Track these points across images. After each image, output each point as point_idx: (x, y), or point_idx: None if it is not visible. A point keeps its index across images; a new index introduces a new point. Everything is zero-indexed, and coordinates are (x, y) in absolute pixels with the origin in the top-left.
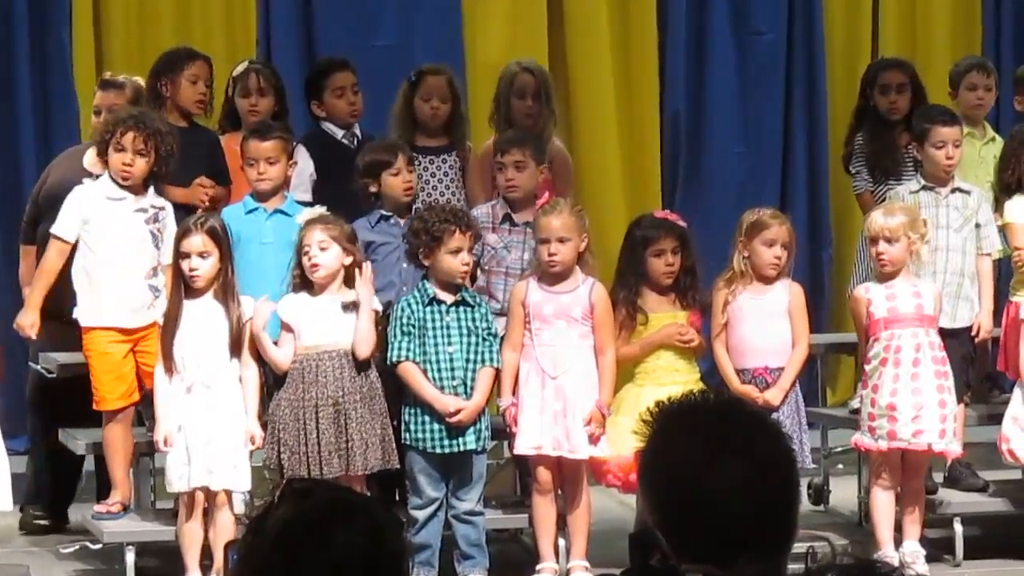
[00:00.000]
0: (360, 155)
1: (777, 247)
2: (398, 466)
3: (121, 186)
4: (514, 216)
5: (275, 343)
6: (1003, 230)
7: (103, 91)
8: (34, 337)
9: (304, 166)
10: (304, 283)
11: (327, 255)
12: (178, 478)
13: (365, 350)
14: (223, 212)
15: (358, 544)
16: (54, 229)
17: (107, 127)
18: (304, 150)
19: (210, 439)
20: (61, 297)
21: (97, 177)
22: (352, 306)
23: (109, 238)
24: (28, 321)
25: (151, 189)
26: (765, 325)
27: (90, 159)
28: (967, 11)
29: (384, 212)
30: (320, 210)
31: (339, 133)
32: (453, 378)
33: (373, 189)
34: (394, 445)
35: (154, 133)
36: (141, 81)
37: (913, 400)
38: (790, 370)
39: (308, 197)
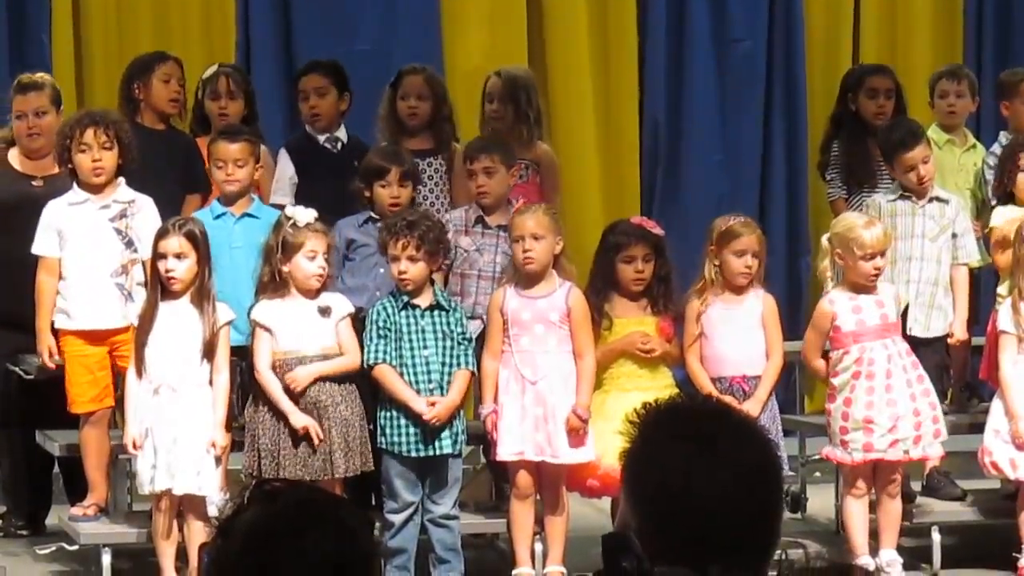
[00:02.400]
0: (366, 156)
1: (748, 256)
2: (373, 468)
3: (86, 188)
4: (487, 219)
5: (244, 347)
6: (988, 237)
7: (23, 94)
8: (52, 366)
9: (285, 170)
10: (276, 285)
11: (324, 264)
12: (147, 481)
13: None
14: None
15: (328, 546)
16: (36, 250)
17: (64, 133)
18: (285, 153)
19: (175, 443)
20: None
21: (35, 180)
22: (327, 310)
23: (74, 242)
24: (42, 348)
25: (121, 183)
26: (739, 335)
27: (20, 163)
28: (948, 18)
29: (372, 215)
30: (314, 212)
31: (321, 137)
32: (429, 381)
33: (367, 194)
34: (370, 448)
35: (112, 123)
36: (53, 79)
37: (888, 412)
38: (766, 381)
39: (288, 201)
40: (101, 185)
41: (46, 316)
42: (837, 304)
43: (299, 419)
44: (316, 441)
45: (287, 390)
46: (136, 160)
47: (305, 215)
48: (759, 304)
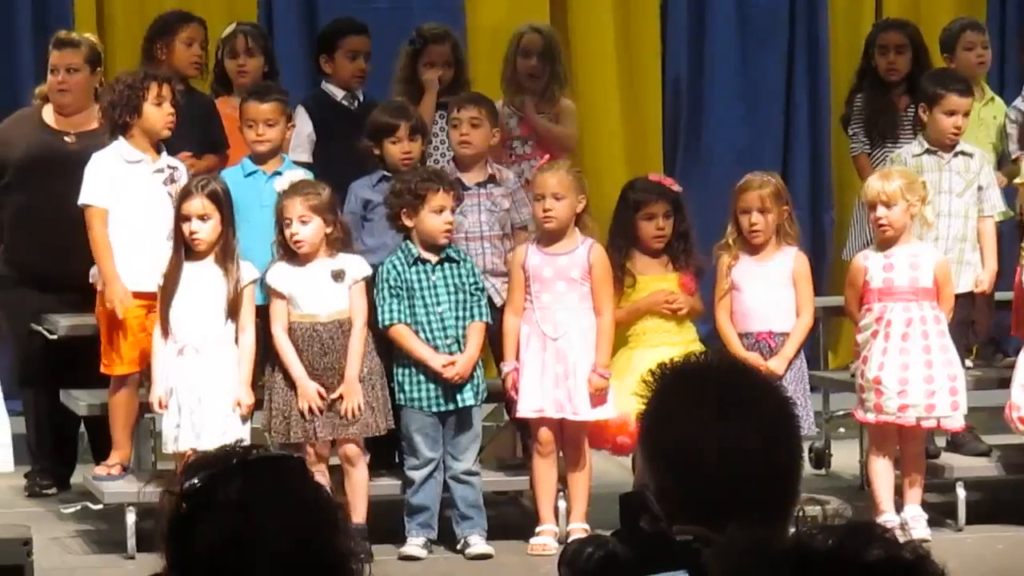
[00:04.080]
0: (371, 114)
1: (753, 213)
2: (394, 427)
3: (139, 147)
4: (464, 179)
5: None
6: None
7: (59, 50)
8: (122, 314)
9: (303, 127)
10: (289, 252)
11: (308, 228)
12: (172, 440)
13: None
14: (221, 175)
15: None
16: (88, 199)
17: (134, 85)
18: (304, 111)
19: (199, 402)
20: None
21: (67, 136)
22: (340, 274)
23: (129, 201)
24: (117, 295)
25: (163, 149)
26: (768, 290)
27: (53, 119)
28: None
29: (386, 173)
30: (299, 175)
31: (339, 94)
32: (446, 337)
33: (376, 152)
34: (390, 407)
35: (172, 82)
36: (95, 39)
37: (899, 375)
38: (794, 338)
39: (306, 158)
40: (154, 145)
41: (112, 263)
42: (869, 259)
43: (307, 389)
44: (318, 409)
45: (300, 354)
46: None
47: (282, 182)
48: (789, 261)
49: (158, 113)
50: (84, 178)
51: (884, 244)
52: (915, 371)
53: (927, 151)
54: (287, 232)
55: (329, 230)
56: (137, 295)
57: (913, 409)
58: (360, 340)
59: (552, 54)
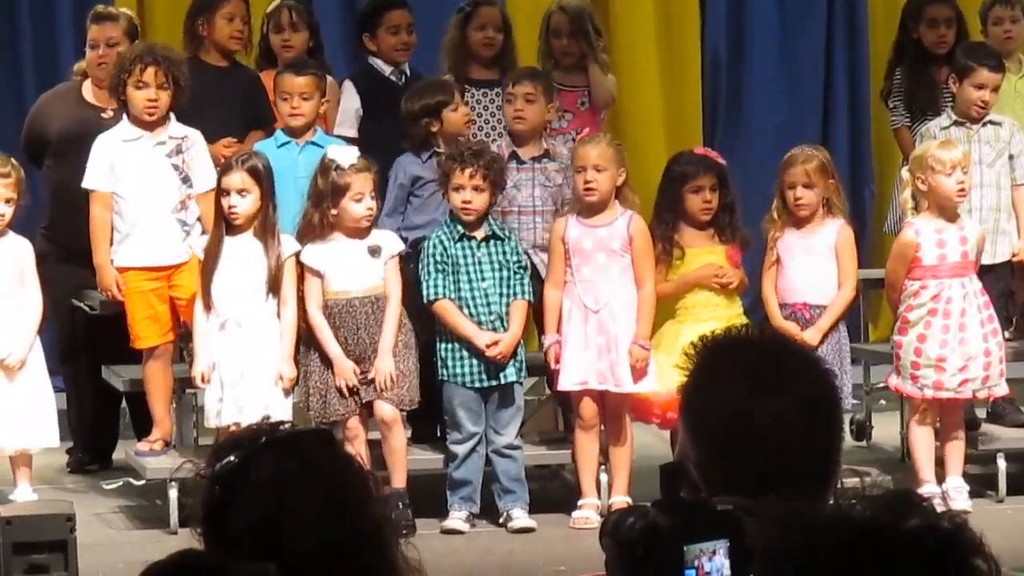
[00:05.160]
0: (409, 98)
1: (798, 188)
2: (422, 404)
3: (138, 124)
4: (519, 153)
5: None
6: None
7: (98, 24)
8: (119, 296)
9: (351, 103)
10: (322, 229)
11: (372, 203)
12: (214, 415)
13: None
14: (254, 148)
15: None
16: (89, 184)
17: (123, 65)
18: (351, 85)
19: (242, 377)
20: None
21: (104, 112)
22: (377, 250)
23: (131, 179)
24: (108, 281)
25: (171, 120)
26: (808, 262)
27: (93, 94)
28: None
29: (437, 149)
30: (355, 151)
31: (387, 70)
32: (489, 313)
33: (435, 128)
34: (417, 383)
35: (173, 64)
36: (132, 13)
37: (961, 351)
38: (832, 311)
39: (353, 133)
40: (153, 122)
41: (105, 250)
42: (922, 235)
43: (343, 368)
44: (357, 384)
45: (336, 331)
46: (186, 102)
47: (347, 156)
48: (833, 233)
49: (137, 96)
50: (88, 161)
51: (951, 213)
52: (974, 346)
53: (955, 123)
54: (357, 206)
55: (373, 208)
56: (144, 269)
57: (972, 383)
58: (395, 314)
59: (582, 30)
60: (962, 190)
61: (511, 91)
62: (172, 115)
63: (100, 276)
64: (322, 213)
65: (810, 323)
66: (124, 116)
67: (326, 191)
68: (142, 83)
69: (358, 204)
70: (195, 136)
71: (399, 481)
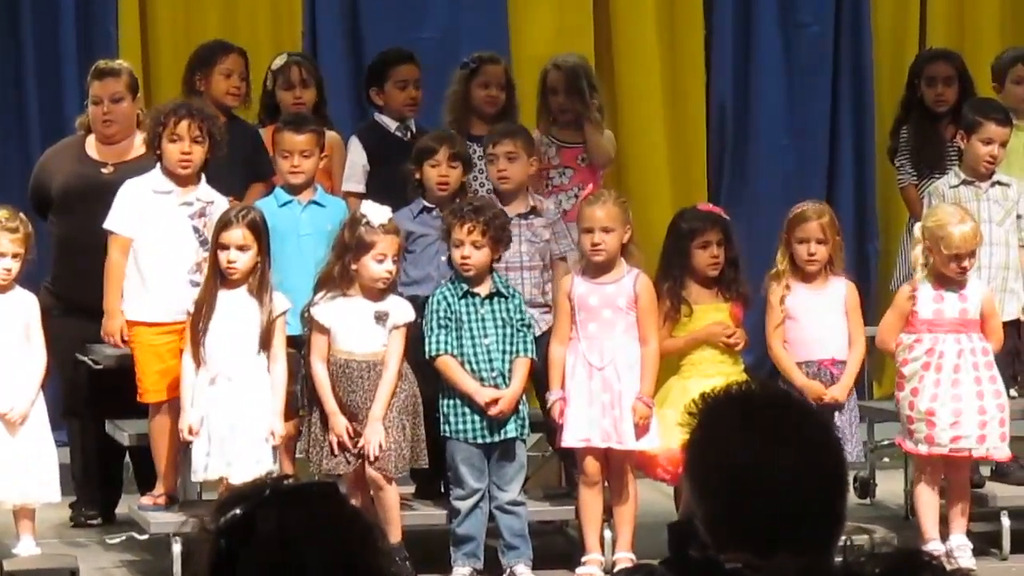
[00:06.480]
0: (418, 141)
1: (812, 243)
2: (427, 465)
3: (171, 177)
4: (506, 211)
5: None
6: None
7: (99, 80)
8: (122, 345)
9: (357, 158)
10: (342, 282)
11: (392, 267)
12: (201, 468)
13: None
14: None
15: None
16: (111, 226)
17: (158, 118)
18: (357, 141)
19: (231, 431)
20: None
21: (105, 167)
22: (384, 316)
23: (153, 232)
24: (114, 327)
25: (203, 181)
26: (827, 318)
27: (96, 149)
28: (1017, 1)
29: (426, 203)
30: (387, 211)
31: (392, 125)
32: (492, 370)
33: (417, 176)
34: (424, 444)
35: (207, 119)
36: (130, 66)
37: (952, 407)
38: (851, 367)
39: (360, 188)
40: (186, 177)
41: (116, 295)
42: (920, 289)
43: (337, 423)
44: (348, 443)
45: (333, 387)
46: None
47: (380, 215)
48: (843, 290)
49: (171, 149)
50: (113, 203)
51: (942, 280)
52: (967, 403)
53: (964, 182)
54: (377, 267)
55: (392, 271)
56: (154, 325)
57: (965, 440)
58: (390, 383)
59: (577, 88)
60: (963, 272)
61: (492, 151)
62: (203, 177)
63: (107, 319)
64: (343, 266)
65: (837, 379)
66: (159, 169)
67: (350, 244)
68: (176, 136)
69: (378, 264)
70: (221, 202)
71: (395, 536)
